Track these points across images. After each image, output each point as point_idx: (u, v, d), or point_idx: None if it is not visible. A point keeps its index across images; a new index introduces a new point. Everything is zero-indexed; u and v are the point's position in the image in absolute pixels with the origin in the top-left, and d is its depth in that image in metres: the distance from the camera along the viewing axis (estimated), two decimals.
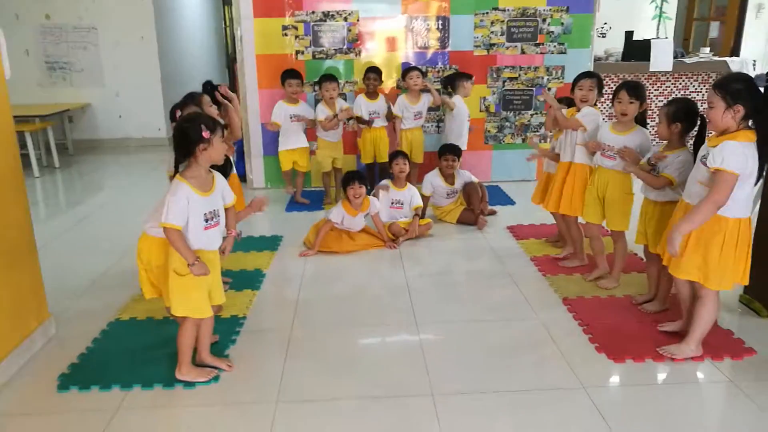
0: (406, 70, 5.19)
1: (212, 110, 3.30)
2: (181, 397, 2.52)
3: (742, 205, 2.48)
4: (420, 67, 5.39)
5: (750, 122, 2.45)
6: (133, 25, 7.78)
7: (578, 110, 3.52)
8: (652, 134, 5.24)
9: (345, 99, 5.39)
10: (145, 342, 2.93)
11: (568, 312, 3.18)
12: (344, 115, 5.02)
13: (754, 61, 6.97)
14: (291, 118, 5.10)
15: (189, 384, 2.56)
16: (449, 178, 4.65)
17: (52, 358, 2.81)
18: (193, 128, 2.36)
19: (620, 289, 3.41)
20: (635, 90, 3.16)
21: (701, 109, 2.78)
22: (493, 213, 4.86)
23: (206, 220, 2.45)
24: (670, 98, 3.08)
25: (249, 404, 2.47)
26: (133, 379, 2.60)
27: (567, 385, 2.54)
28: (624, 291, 3.39)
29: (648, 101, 6.06)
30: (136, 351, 2.84)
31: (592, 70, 5.18)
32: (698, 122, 2.86)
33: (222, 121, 2.72)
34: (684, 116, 2.85)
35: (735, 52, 8.41)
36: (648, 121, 6.12)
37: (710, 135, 2.61)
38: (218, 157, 2.47)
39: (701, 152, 2.58)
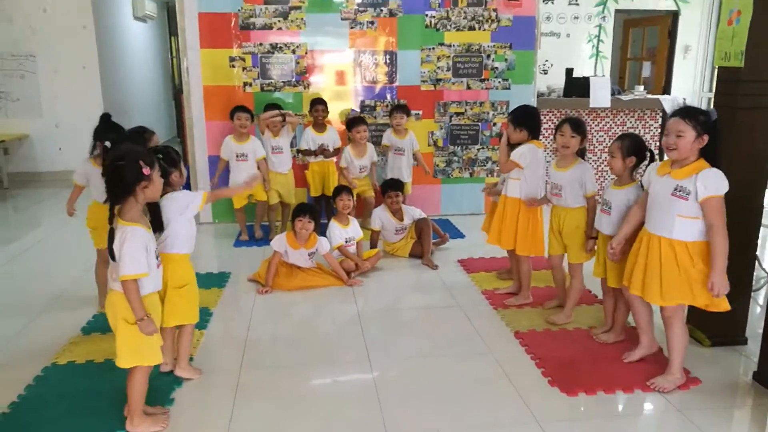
0: (353, 121, 5.14)
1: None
2: None
3: None
4: (365, 117, 5.41)
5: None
6: (75, 54, 7.57)
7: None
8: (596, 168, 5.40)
9: (294, 134, 5.35)
10: (84, 388, 2.75)
11: (521, 346, 3.20)
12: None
13: (684, 98, 7.36)
14: (237, 156, 4.95)
15: None
16: (397, 214, 4.64)
17: None
18: (131, 166, 2.22)
19: (570, 323, 3.46)
20: (577, 125, 3.28)
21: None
22: (443, 242, 4.88)
23: (156, 257, 2.36)
24: (618, 133, 3.21)
25: None
26: (71, 429, 2.44)
27: (521, 420, 2.54)
28: (574, 324, 3.44)
29: (590, 136, 6.34)
30: (75, 398, 2.67)
31: (535, 105, 5.34)
32: (647, 157, 3.00)
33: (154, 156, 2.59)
34: (636, 150, 2.98)
35: (666, 90, 8.89)
36: (588, 155, 6.37)
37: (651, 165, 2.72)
38: (157, 194, 2.37)
39: (661, 186, 2.65)
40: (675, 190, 2.58)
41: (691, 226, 2.57)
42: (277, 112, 4.97)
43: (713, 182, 2.50)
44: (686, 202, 2.55)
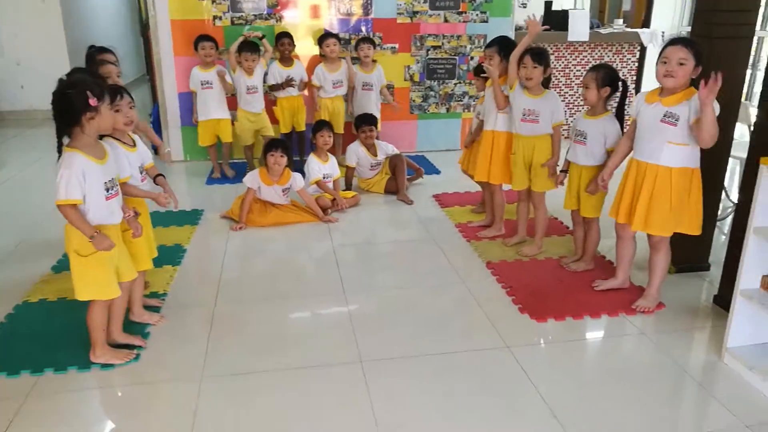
0: (322, 37, 5.09)
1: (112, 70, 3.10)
2: (98, 378, 2.40)
3: (698, 152, 2.64)
4: (337, 33, 5.29)
5: None
6: None
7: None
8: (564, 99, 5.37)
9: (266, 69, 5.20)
10: (57, 324, 2.76)
11: (492, 276, 3.25)
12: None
13: (663, 32, 7.27)
14: (202, 84, 4.90)
15: (107, 365, 2.44)
16: (371, 149, 4.61)
17: None
18: (78, 95, 2.13)
19: (541, 253, 3.52)
20: (539, 56, 3.24)
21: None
22: (418, 176, 4.86)
23: (107, 190, 2.28)
24: (591, 65, 3.16)
25: (172, 381, 2.39)
26: (45, 363, 2.45)
27: (493, 346, 2.61)
28: (544, 254, 3.49)
29: (567, 70, 6.28)
30: (48, 334, 2.68)
31: (513, 38, 5.24)
32: (620, 87, 3.00)
33: (107, 84, 2.46)
34: (611, 81, 2.97)
35: (646, 23, 8.76)
36: (564, 89, 6.33)
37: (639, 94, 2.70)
38: (107, 126, 2.29)
39: (649, 114, 2.64)
40: (664, 116, 2.59)
41: (680, 152, 2.59)
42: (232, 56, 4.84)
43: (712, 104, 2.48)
44: (675, 128, 2.57)
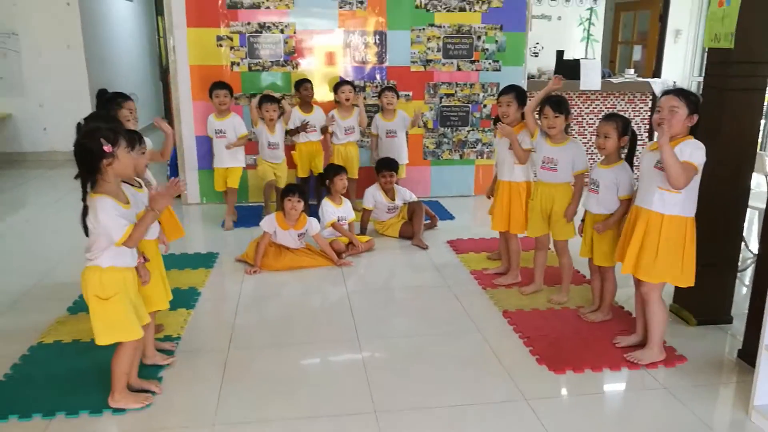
0: (338, 84, 5.19)
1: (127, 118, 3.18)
2: (110, 423, 2.37)
3: (694, 203, 2.64)
4: (352, 81, 5.39)
5: None
6: (58, 32, 7.43)
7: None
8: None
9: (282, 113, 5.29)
10: (71, 366, 2.74)
11: (509, 325, 3.21)
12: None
13: (674, 82, 7.37)
14: (216, 133, 4.96)
15: (119, 410, 2.41)
16: (389, 193, 4.65)
17: None
18: (93, 143, 2.17)
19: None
20: (558, 104, 3.28)
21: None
22: (433, 224, 4.88)
23: None
24: (605, 114, 3.19)
25: (183, 428, 2.35)
26: (57, 406, 2.43)
27: (509, 398, 2.55)
28: (561, 305, 3.44)
29: (579, 118, 6.33)
30: (61, 376, 2.66)
31: (525, 87, 5.32)
32: (629, 136, 3.02)
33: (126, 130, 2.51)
34: (628, 130, 3.00)
35: (657, 73, 8.88)
36: (578, 137, 6.37)
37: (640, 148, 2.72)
38: (127, 171, 2.33)
39: (647, 161, 2.69)
40: (657, 162, 2.61)
41: (671, 199, 2.59)
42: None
43: (690, 149, 2.53)
44: (663, 174, 2.56)
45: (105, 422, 2.37)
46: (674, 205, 2.61)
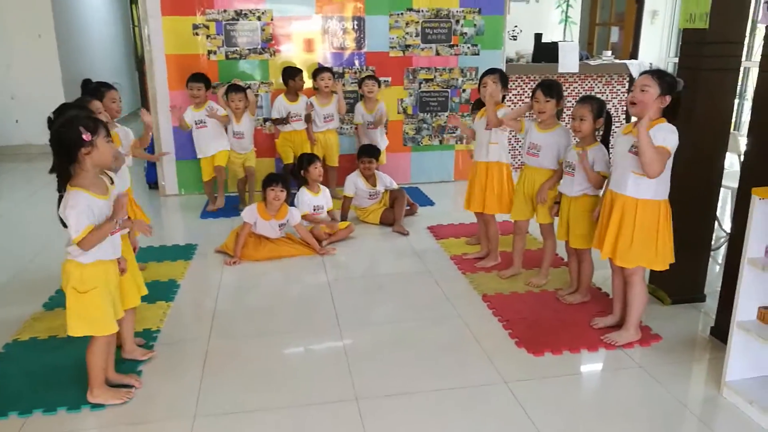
0: (317, 70, 5.15)
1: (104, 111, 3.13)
2: (88, 419, 2.35)
3: (667, 185, 2.66)
4: (332, 68, 5.35)
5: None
6: (28, 22, 7.26)
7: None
8: None
9: (259, 99, 5.26)
10: (47, 363, 2.71)
11: (489, 309, 3.23)
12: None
13: (651, 63, 7.40)
14: (196, 124, 4.96)
15: (97, 405, 2.40)
16: (370, 179, 4.64)
17: None
18: (71, 131, 2.14)
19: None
20: (549, 88, 3.28)
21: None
22: (413, 212, 4.89)
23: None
24: (582, 96, 3.20)
25: (164, 421, 2.34)
26: (34, 403, 2.40)
27: (489, 381, 2.58)
28: (540, 287, 3.48)
29: None
30: (37, 373, 2.63)
31: (504, 70, 5.31)
32: (604, 118, 3.04)
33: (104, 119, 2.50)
34: (603, 112, 3.02)
35: (634, 55, 8.93)
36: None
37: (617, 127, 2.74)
38: (106, 160, 2.28)
39: (621, 144, 2.71)
40: (632, 146, 2.62)
41: (644, 183, 2.61)
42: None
43: (663, 133, 2.55)
44: (638, 158, 2.57)
45: (83, 418, 2.36)
46: (647, 188, 2.63)
